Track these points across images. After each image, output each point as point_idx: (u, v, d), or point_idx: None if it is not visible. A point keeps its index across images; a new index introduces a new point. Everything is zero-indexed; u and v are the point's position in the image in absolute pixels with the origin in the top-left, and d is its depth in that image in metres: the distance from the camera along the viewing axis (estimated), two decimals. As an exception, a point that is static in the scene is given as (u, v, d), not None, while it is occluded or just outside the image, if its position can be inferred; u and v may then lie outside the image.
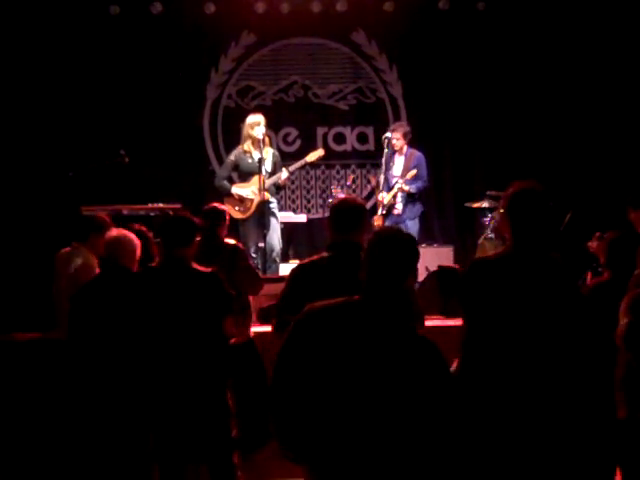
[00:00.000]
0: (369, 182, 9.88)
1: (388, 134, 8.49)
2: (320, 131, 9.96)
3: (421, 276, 7.08)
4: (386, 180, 8.54)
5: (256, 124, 7.80)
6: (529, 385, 3.15)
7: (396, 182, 8.39)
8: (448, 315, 6.40)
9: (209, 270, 4.47)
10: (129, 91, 9.41)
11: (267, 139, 7.96)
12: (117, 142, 8.44)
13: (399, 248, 2.81)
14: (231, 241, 5.94)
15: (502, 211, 3.41)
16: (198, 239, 4.56)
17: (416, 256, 2.87)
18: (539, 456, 3.13)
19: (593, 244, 6.15)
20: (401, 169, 8.47)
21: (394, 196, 8.40)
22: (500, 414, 3.14)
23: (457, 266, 7.38)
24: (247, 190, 7.88)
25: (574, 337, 3.18)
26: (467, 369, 3.17)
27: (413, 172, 8.31)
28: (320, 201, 9.94)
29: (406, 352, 2.71)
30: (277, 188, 8.09)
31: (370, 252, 2.85)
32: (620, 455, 3.71)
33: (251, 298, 5.96)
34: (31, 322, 6.31)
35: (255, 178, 7.81)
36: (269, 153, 7.95)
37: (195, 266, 4.46)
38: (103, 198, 7.80)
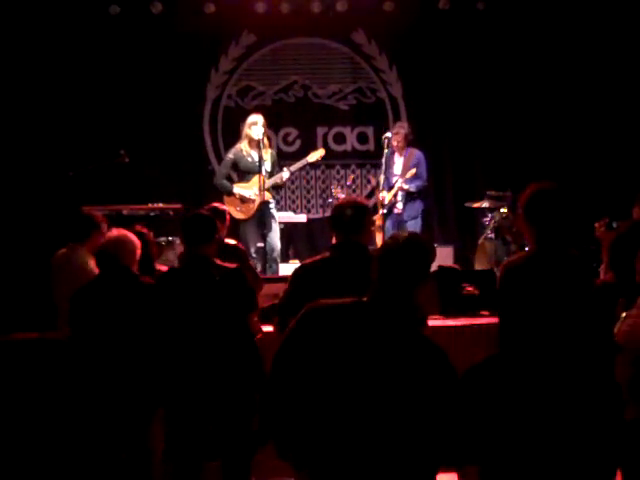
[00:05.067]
0: (369, 182, 9.91)
1: (388, 134, 8.52)
2: (320, 131, 9.97)
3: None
4: (387, 179, 8.58)
5: (253, 124, 7.82)
6: (551, 382, 3.13)
7: (396, 181, 8.43)
8: (448, 315, 6.39)
9: (233, 266, 4.47)
10: (129, 91, 9.41)
11: (267, 141, 7.96)
12: (117, 142, 8.43)
13: (415, 253, 2.78)
14: (231, 241, 5.94)
15: (520, 212, 3.38)
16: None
17: (430, 262, 2.84)
18: (543, 458, 3.12)
19: (601, 228, 6.00)
20: (401, 168, 8.52)
21: (395, 195, 8.45)
22: (526, 415, 3.12)
23: (457, 266, 7.37)
24: (249, 191, 7.87)
25: (593, 332, 3.17)
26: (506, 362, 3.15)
27: (412, 171, 8.38)
28: (320, 201, 9.95)
29: (413, 357, 2.68)
30: (275, 188, 8.09)
31: (384, 255, 2.79)
32: (623, 456, 3.68)
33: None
34: (31, 322, 6.29)
35: (255, 178, 7.81)
36: (268, 153, 7.95)
37: (219, 262, 4.46)
38: (103, 198, 7.79)
